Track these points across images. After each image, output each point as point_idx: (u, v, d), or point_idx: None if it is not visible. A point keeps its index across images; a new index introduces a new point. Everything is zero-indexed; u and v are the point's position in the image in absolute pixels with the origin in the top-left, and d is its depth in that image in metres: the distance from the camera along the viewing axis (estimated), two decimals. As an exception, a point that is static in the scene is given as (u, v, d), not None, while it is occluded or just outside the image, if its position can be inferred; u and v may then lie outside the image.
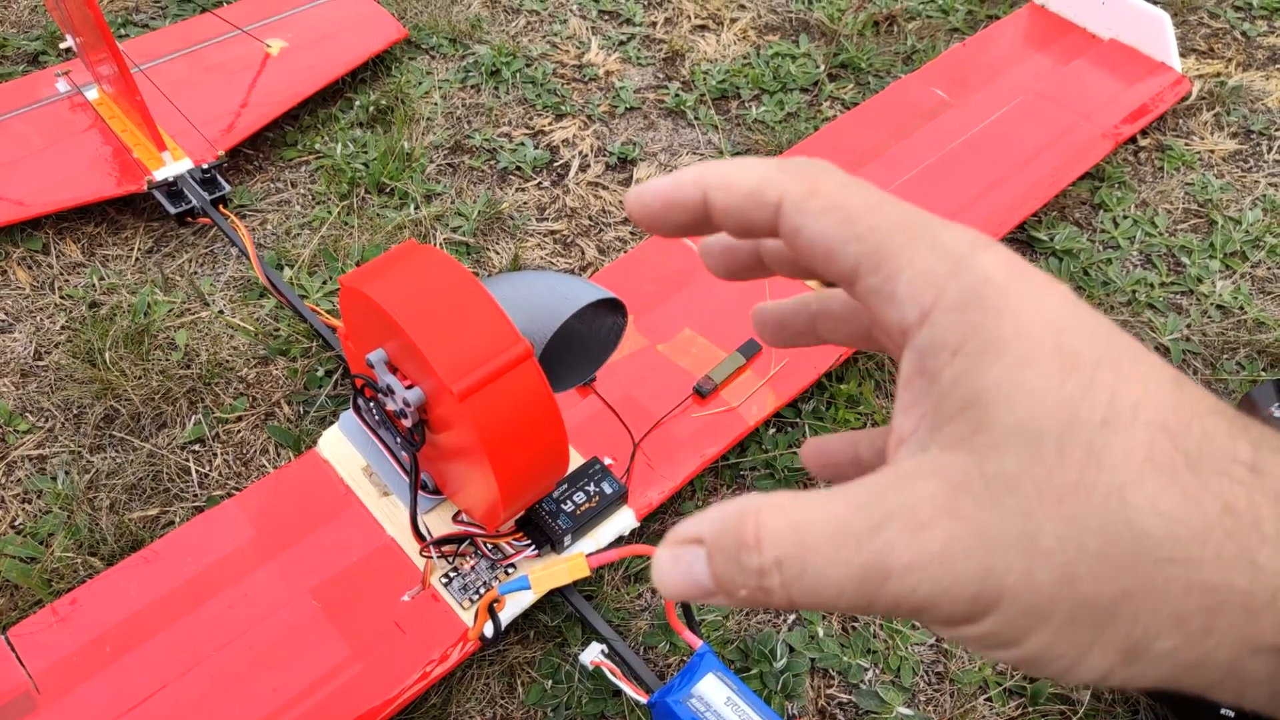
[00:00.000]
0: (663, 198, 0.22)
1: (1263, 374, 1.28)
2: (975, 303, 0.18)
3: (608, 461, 1.01)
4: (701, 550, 0.20)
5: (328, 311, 1.27)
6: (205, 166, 1.40)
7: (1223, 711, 0.85)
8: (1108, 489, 0.17)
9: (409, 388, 0.84)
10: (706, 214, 0.21)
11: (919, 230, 0.19)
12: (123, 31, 1.75)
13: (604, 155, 1.57)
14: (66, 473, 1.12)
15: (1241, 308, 1.36)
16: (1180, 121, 1.65)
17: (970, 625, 0.19)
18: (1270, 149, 1.61)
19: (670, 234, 0.23)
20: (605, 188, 1.52)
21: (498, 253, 1.41)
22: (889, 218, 0.19)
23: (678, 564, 0.20)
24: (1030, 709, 0.96)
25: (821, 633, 1.01)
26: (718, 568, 0.20)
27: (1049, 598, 0.18)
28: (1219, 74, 1.74)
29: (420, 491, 0.96)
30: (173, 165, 1.39)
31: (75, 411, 1.18)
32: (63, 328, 1.28)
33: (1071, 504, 0.18)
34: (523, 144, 1.58)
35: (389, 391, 0.86)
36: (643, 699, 0.86)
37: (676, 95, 1.68)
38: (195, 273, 1.36)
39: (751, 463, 1.15)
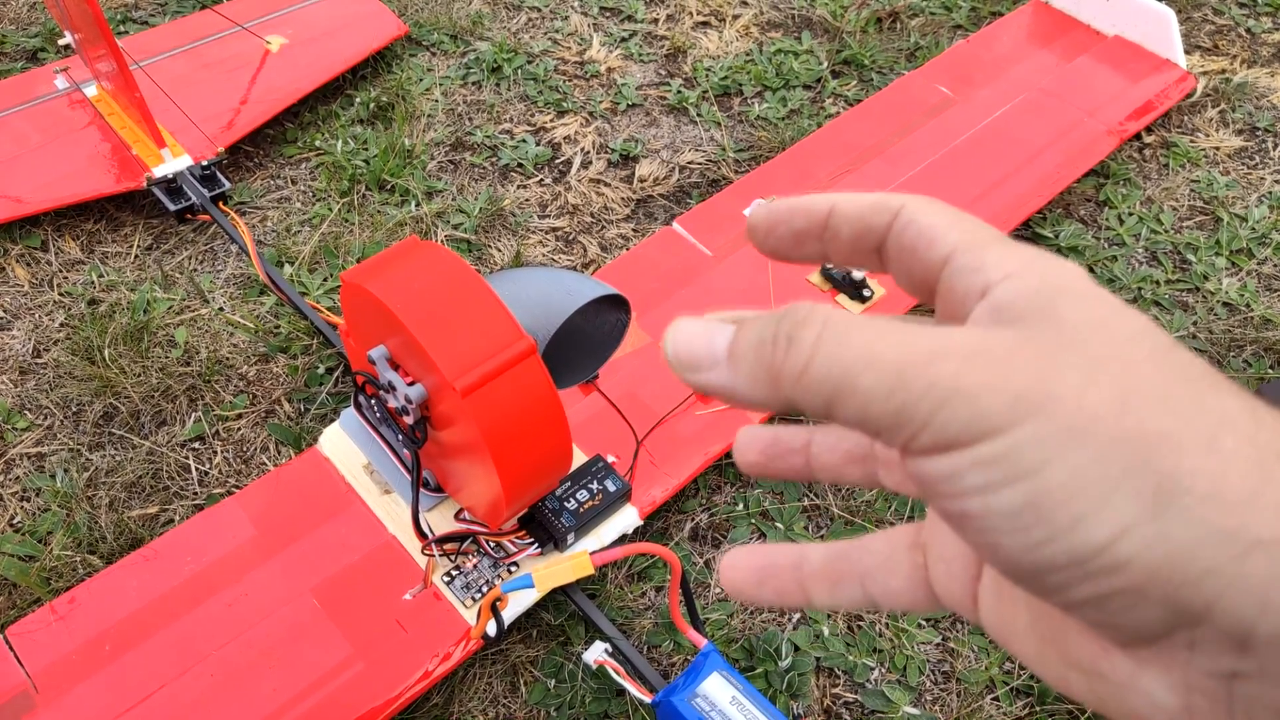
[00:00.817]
0: (790, 204, 0.24)
1: (1270, 371, 1.27)
2: (1053, 270, 0.20)
3: (611, 459, 1.00)
4: (732, 327, 0.20)
5: (328, 309, 1.27)
6: (205, 163, 1.39)
7: None
8: (1177, 368, 0.18)
9: (411, 384, 0.83)
10: (825, 222, 0.24)
11: (1004, 237, 0.22)
12: (122, 28, 1.74)
13: (606, 152, 1.56)
14: (65, 470, 1.11)
15: (1248, 305, 1.35)
16: (1185, 118, 1.64)
17: (988, 441, 0.17)
18: (1276, 145, 1.60)
19: (784, 241, 0.24)
20: (607, 185, 1.51)
21: (499, 250, 1.40)
22: (983, 224, 0.22)
23: (698, 328, 0.21)
24: (1038, 708, 0.96)
25: (827, 631, 1.00)
26: (744, 334, 0.20)
27: (1094, 416, 0.17)
28: (1224, 71, 1.74)
29: (422, 489, 0.95)
30: (172, 162, 1.38)
31: (74, 409, 1.18)
32: (62, 325, 1.27)
33: (1140, 365, 0.18)
34: (524, 141, 1.57)
35: (390, 388, 0.86)
36: (647, 698, 0.86)
37: (679, 92, 1.67)
38: (195, 270, 1.35)
39: (755, 461, 1.14)
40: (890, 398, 0.18)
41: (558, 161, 1.55)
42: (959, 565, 0.23)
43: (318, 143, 1.54)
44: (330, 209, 1.43)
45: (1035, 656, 0.22)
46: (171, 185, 1.37)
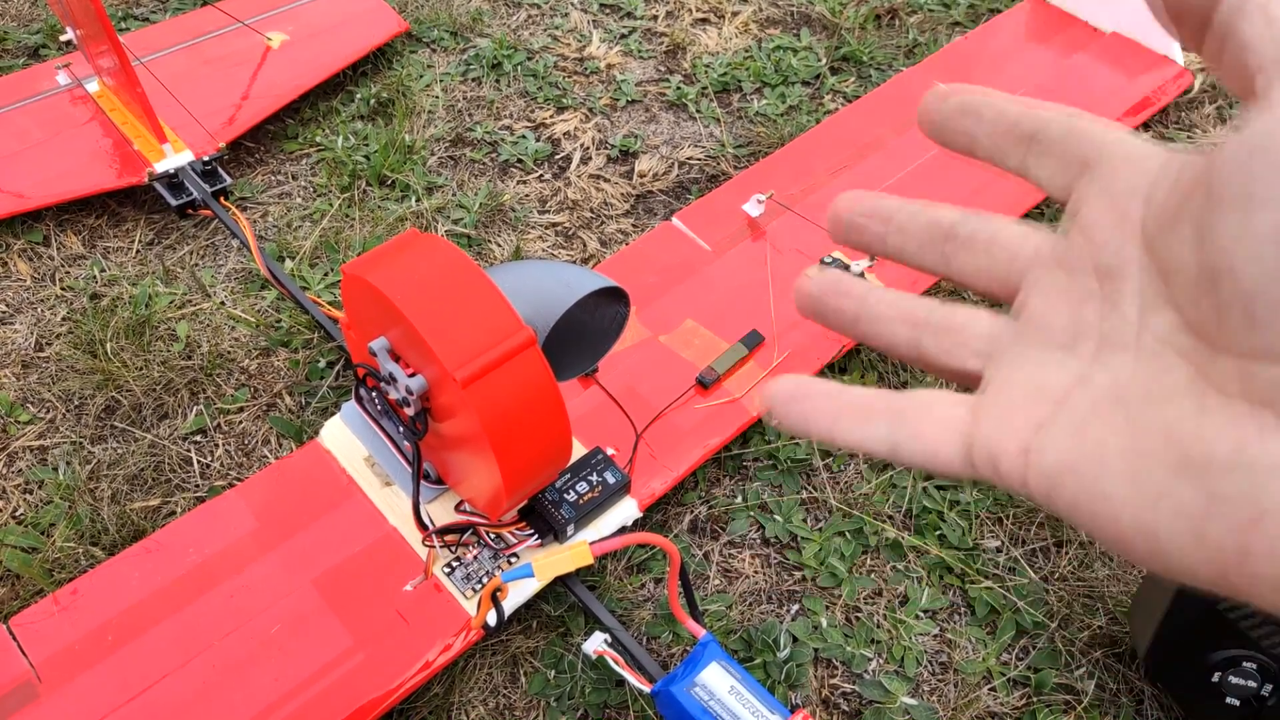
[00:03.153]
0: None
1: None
2: None
3: (610, 452, 1.01)
4: None
5: (329, 303, 1.27)
6: (206, 159, 1.40)
7: (1228, 700, 0.85)
8: None
9: (411, 376, 0.83)
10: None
11: None
12: (123, 24, 1.75)
13: (605, 148, 1.57)
14: (68, 463, 1.12)
15: (1244, 300, 1.35)
16: (1183, 115, 1.64)
17: None
18: (1273, 142, 1.60)
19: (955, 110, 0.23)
20: (607, 180, 1.51)
21: (499, 245, 1.41)
22: None
23: None
24: (1035, 699, 0.96)
25: (825, 623, 1.01)
26: None
27: None
28: (1221, 67, 1.74)
29: (423, 481, 0.96)
30: (173, 157, 1.39)
31: (76, 402, 1.18)
32: (64, 319, 1.27)
33: None
34: (524, 137, 1.57)
35: (391, 380, 0.86)
36: (646, 688, 0.86)
37: (678, 88, 1.67)
38: (196, 265, 1.35)
39: (754, 453, 1.15)
40: None
41: (557, 157, 1.55)
42: (1029, 408, 0.21)
43: (318, 138, 1.54)
44: (331, 204, 1.44)
45: (1123, 482, 0.19)
46: (173, 181, 1.38)
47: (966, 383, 0.23)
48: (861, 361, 1.24)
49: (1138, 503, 0.19)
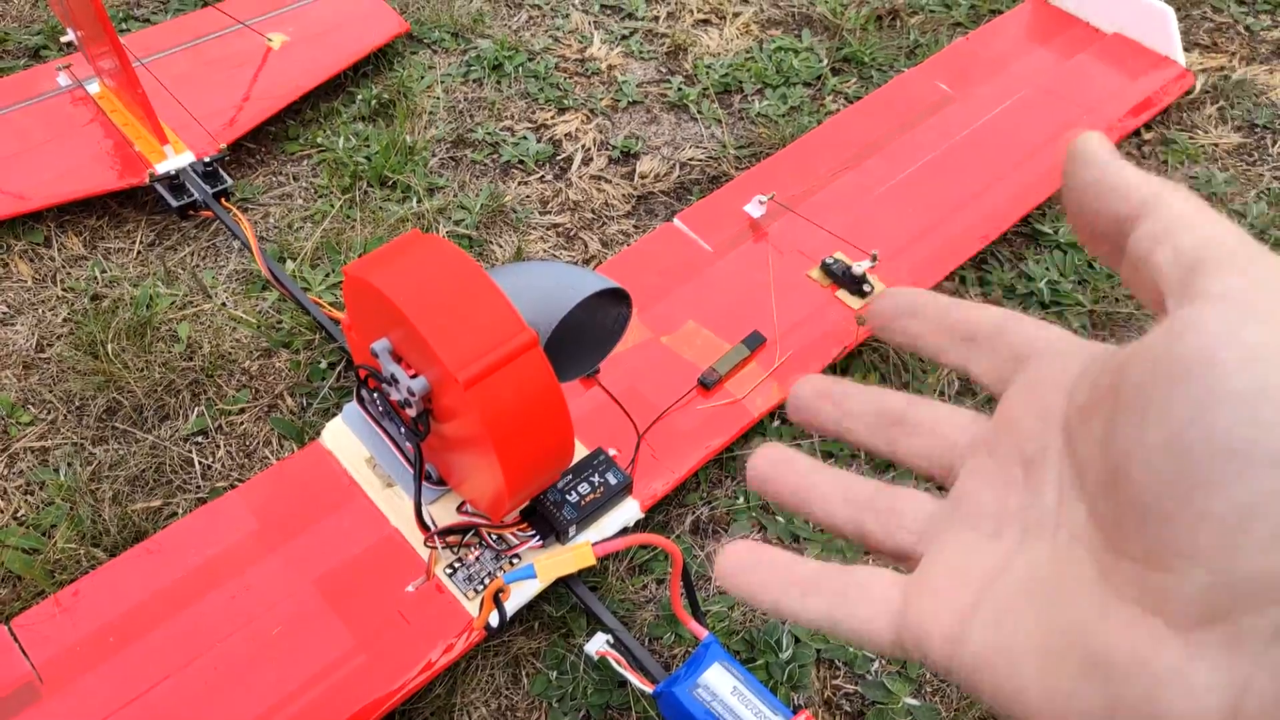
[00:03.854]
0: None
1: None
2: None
3: (612, 453, 1.01)
4: None
5: (330, 304, 1.27)
6: (207, 160, 1.39)
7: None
8: None
9: (413, 377, 0.83)
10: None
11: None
12: (124, 25, 1.74)
13: (607, 149, 1.57)
14: (69, 464, 1.12)
15: (1246, 300, 1.35)
16: (1184, 115, 1.64)
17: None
18: (1275, 142, 1.60)
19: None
20: (608, 181, 1.51)
21: (500, 246, 1.40)
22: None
23: None
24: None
25: (827, 624, 1.01)
26: None
27: None
28: (1223, 68, 1.74)
29: (424, 482, 0.95)
30: (174, 158, 1.39)
31: (77, 403, 1.18)
32: (65, 320, 1.27)
33: None
34: (525, 138, 1.57)
35: (393, 381, 0.86)
36: (648, 689, 0.86)
37: (679, 89, 1.67)
38: (197, 265, 1.35)
39: (756, 455, 1.15)
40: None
41: (559, 158, 1.55)
42: (954, 595, 0.22)
43: (319, 139, 1.54)
44: (332, 205, 1.44)
45: (1035, 679, 0.20)
46: (174, 182, 1.37)
47: (905, 562, 0.24)
48: (863, 363, 1.24)
49: (1049, 702, 0.20)
